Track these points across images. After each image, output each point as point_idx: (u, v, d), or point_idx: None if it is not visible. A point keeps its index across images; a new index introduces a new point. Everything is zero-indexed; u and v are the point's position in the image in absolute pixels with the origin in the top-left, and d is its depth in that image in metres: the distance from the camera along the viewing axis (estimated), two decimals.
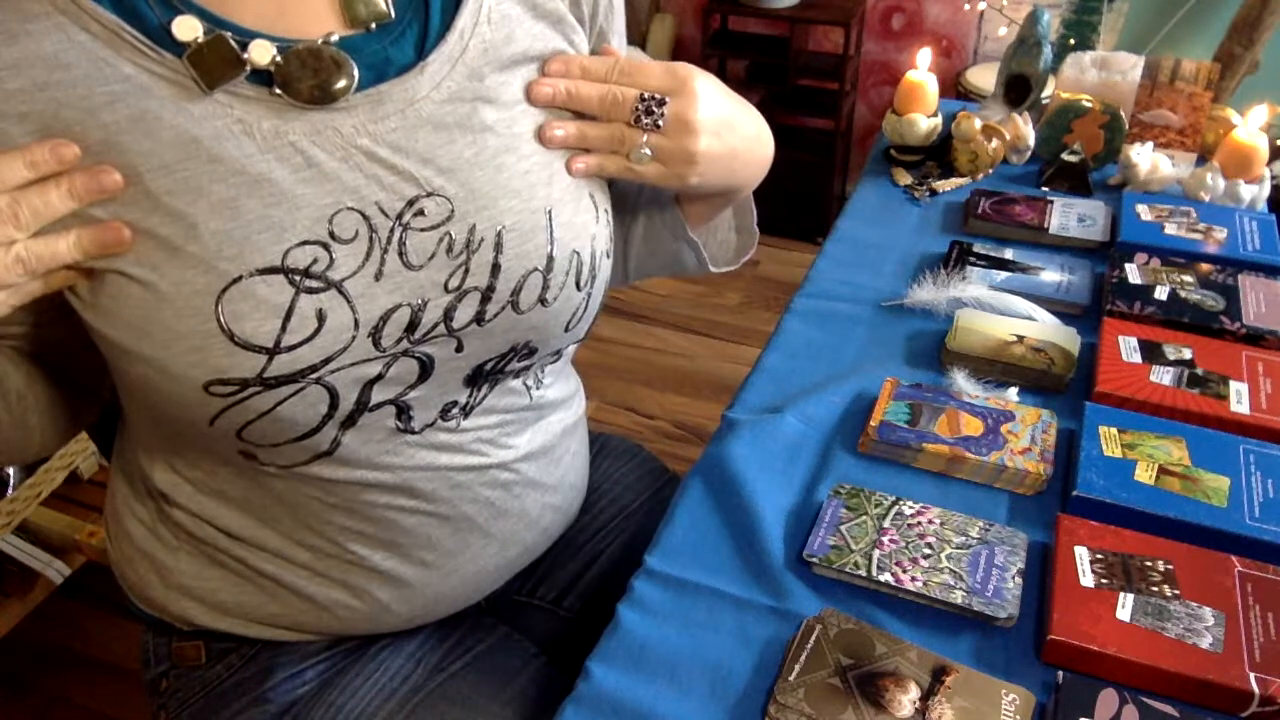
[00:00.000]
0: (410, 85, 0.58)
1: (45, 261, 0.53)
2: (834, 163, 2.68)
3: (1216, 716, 0.63)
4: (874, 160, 1.34)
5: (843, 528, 0.75)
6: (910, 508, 0.77)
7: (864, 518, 0.76)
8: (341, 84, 0.56)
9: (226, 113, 0.54)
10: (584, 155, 0.66)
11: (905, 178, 1.28)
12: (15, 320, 0.63)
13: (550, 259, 0.64)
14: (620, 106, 0.65)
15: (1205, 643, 0.65)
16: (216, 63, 0.53)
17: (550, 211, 0.64)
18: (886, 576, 0.71)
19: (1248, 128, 1.14)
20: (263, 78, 0.55)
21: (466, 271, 0.61)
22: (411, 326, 0.60)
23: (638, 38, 2.79)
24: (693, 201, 0.77)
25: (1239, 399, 0.85)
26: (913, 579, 0.71)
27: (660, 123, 0.65)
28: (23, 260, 0.53)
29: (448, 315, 0.61)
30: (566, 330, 0.68)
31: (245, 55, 0.54)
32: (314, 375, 0.58)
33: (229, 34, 0.54)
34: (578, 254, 0.66)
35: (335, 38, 0.57)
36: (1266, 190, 1.15)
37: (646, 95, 0.64)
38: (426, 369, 0.62)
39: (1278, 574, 0.70)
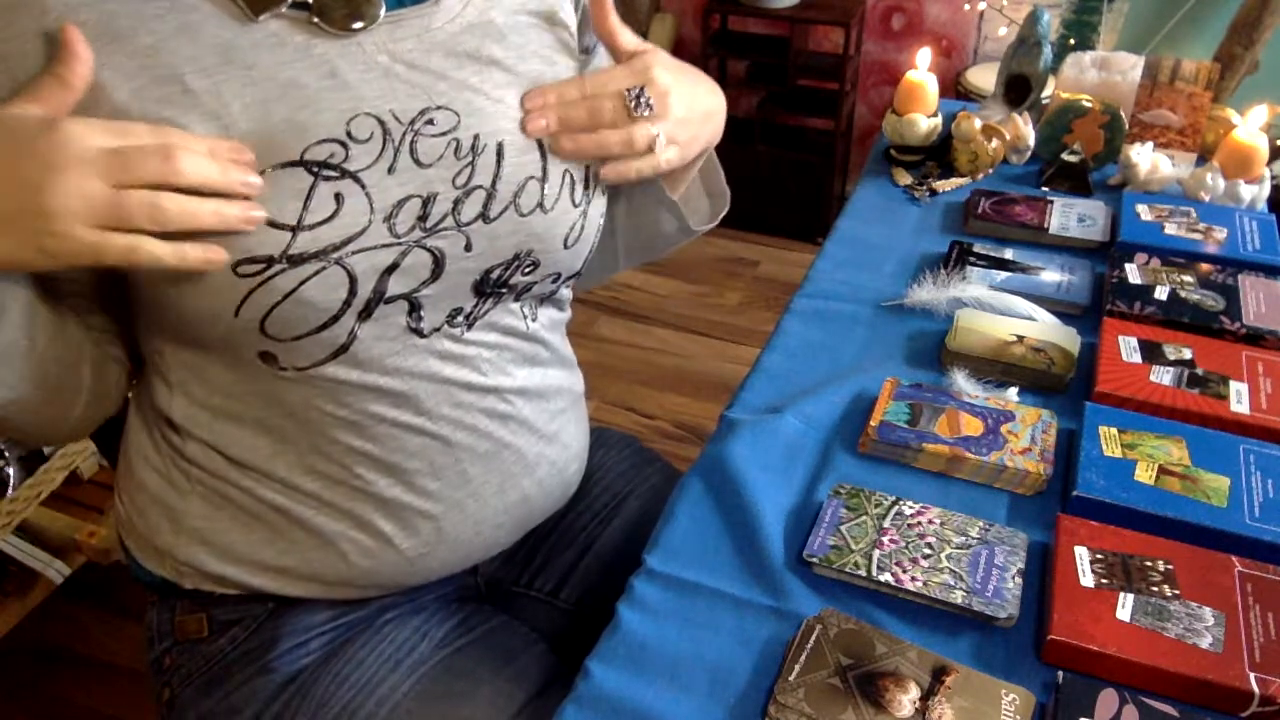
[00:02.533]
0: (426, 15, 0.66)
1: (182, 219, 0.57)
2: (834, 163, 2.68)
3: (1216, 716, 0.63)
4: (874, 160, 1.34)
5: (843, 528, 0.75)
6: (910, 508, 0.77)
7: (864, 518, 0.76)
8: (372, 13, 0.64)
9: (263, 28, 0.62)
10: (613, 165, 0.72)
11: (905, 178, 1.28)
12: (82, 275, 0.69)
13: (544, 170, 0.70)
14: (606, 112, 0.70)
15: (1205, 643, 0.65)
16: None
17: (541, 139, 0.70)
18: (886, 576, 0.71)
19: (1248, 128, 1.14)
20: (298, 4, 0.62)
21: (472, 170, 0.67)
22: (424, 217, 0.65)
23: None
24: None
25: (1239, 399, 0.85)
26: (913, 579, 0.71)
27: (652, 105, 0.71)
28: (158, 207, 0.56)
29: (456, 207, 0.66)
30: (566, 246, 0.72)
31: None
32: (335, 255, 0.62)
33: None
34: (569, 172, 0.71)
35: None
36: (1266, 190, 1.15)
37: (627, 91, 0.70)
38: (439, 263, 0.67)
39: (1278, 574, 0.70)
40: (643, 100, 0.70)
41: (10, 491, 1.51)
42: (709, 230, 0.92)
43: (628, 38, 0.74)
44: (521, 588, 0.93)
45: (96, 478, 1.74)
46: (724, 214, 0.92)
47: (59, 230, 0.55)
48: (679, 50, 2.86)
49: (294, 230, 0.61)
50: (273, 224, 0.60)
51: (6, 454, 1.51)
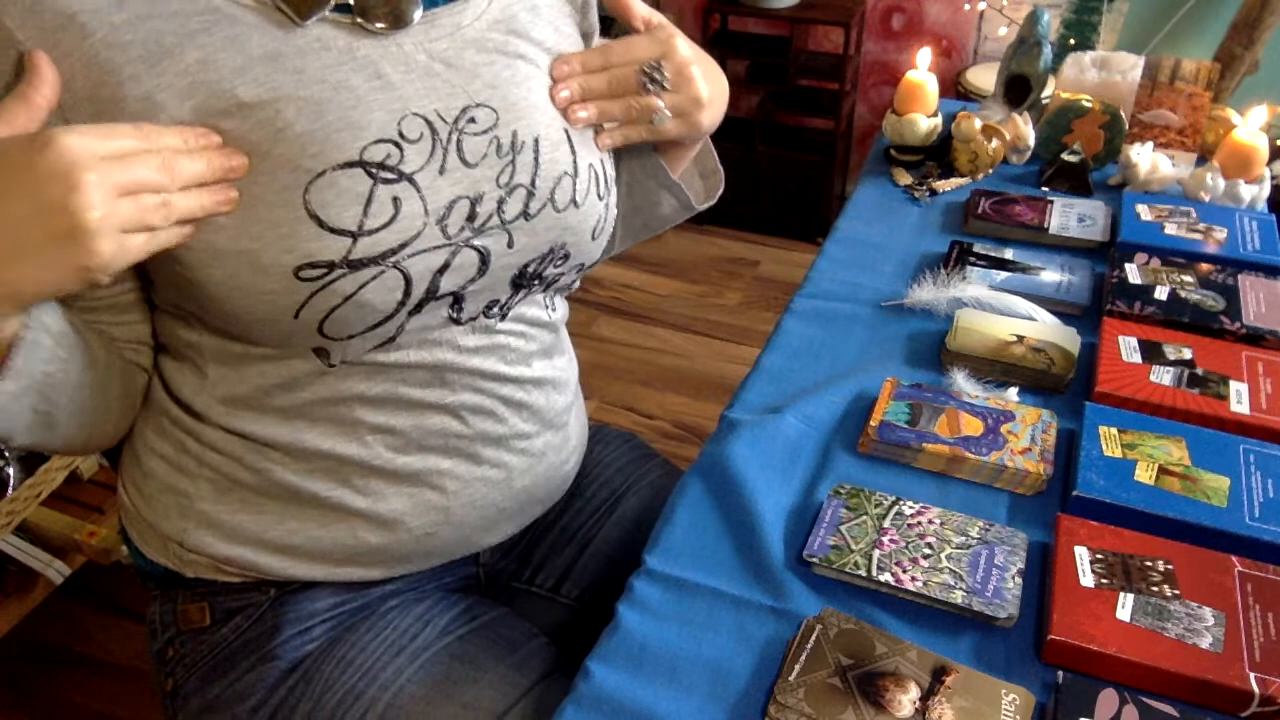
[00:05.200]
0: (457, 12, 0.69)
1: (186, 214, 0.60)
2: (834, 163, 2.68)
3: (1216, 716, 0.63)
4: (874, 160, 1.34)
5: (843, 528, 0.75)
6: (910, 508, 0.77)
7: (864, 518, 0.76)
8: (411, 12, 0.66)
9: (306, 33, 0.63)
10: (608, 130, 0.76)
11: (905, 178, 1.28)
12: (114, 288, 0.70)
13: (575, 165, 0.73)
14: (626, 83, 0.75)
15: (1205, 643, 0.65)
16: None
17: (566, 130, 0.73)
18: (886, 576, 0.71)
19: (1248, 128, 1.14)
20: (341, 8, 0.64)
21: (513, 169, 0.69)
22: (471, 217, 0.67)
23: None
24: (669, 147, 0.86)
25: (1239, 399, 0.85)
26: (913, 579, 0.71)
27: (665, 84, 0.75)
28: (169, 205, 0.58)
29: (500, 207, 0.69)
30: (593, 238, 0.76)
31: None
32: (393, 258, 0.64)
33: None
34: (593, 166, 0.75)
35: None
36: (1266, 190, 1.15)
37: (646, 66, 0.74)
38: (485, 261, 0.69)
39: (1278, 574, 0.70)
40: (658, 77, 0.74)
41: (10, 491, 1.51)
42: (707, 219, 0.97)
43: (641, 9, 0.77)
44: (522, 584, 0.93)
45: (96, 478, 1.74)
46: (719, 192, 0.94)
47: (101, 248, 0.54)
48: None
49: (355, 236, 0.62)
50: (334, 229, 0.62)
51: (6, 454, 1.50)
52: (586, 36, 0.82)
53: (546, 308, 0.79)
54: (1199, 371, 0.88)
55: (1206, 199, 1.15)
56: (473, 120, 0.67)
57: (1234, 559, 0.71)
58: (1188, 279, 1.00)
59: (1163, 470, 0.77)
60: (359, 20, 0.64)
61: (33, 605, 1.59)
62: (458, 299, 0.70)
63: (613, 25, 0.80)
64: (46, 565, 1.60)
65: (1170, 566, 0.70)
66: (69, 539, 1.61)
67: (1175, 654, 0.64)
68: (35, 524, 1.62)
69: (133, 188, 0.55)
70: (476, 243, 0.68)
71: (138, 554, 0.81)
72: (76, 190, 0.53)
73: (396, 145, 0.64)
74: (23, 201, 0.53)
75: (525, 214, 0.70)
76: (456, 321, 0.71)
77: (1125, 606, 0.67)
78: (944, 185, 1.26)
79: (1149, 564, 0.70)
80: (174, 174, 0.58)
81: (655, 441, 2.08)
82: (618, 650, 0.69)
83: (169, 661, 0.80)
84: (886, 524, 0.76)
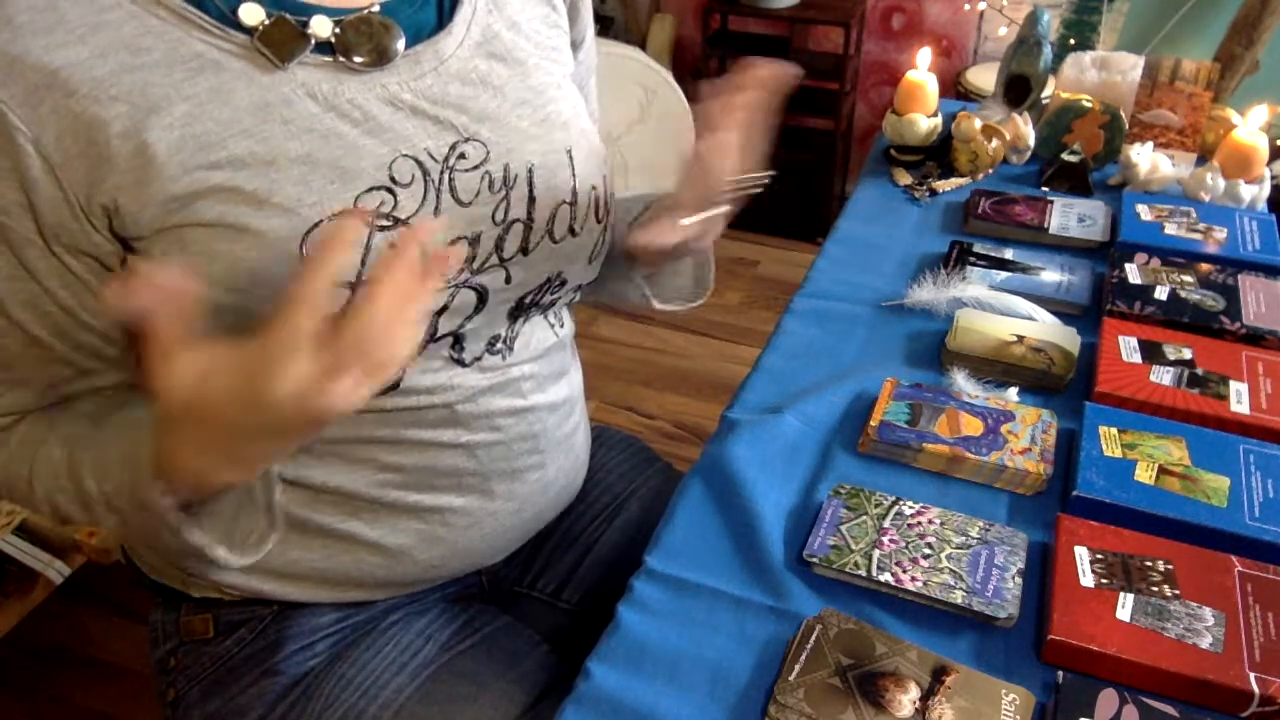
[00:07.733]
0: (439, 46, 0.66)
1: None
2: (834, 163, 2.68)
3: (1216, 716, 0.63)
4: (874, 160, 1.34)
5: (843, 528, 0.75)
6: (910, 508, 0.77)
7: (864, 518, 0.76)
8: (394, 46, 0.63)
9: (290, 79, 0.60)
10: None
11: (905, 178, 1.28)
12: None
13: (575, 193, 0.71)
14: None
15: (1205, 643, 0.65)
16: (284, 40, 0.60)
17: (570, 151, 0.71)
18: (886, 576, 0.71)
19: (1248, 128, 1.14)
20: (323, 48, 0.62)
21: (508, 205, 0.68)
22: (471, 258, 0.66)
23: (638, 38, 2.79)
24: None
25: (1239, 399, 0.85)
26: (913, 579, 0.71)
27: None
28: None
29: (498, 245, 0.68)
30: (589, 262, 0.75)
31: (308, 30, 0.61)
32: None
33: (288, 14, 0.61)
34: (595, 189, 0.73)
35: (377, 6, 0.64)
36: (1266, 190, 1.15)
37: None
38: (482, 299, 0.68)
39: (1278, 574, 0.70)
40: None
41: None
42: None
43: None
44: (524, 589, 0.93)
45: None
46: (700, 301, 0.92)
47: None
48: (679, 50, 2.85)
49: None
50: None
51: None
52: (576, 45, 0.80)
53: (552, 326, 0.78)
54: (1199, 371, 0.88)
55: (1206, 199, 1.15)
56: (463, 156, 0.65)
57: (1234, 559, 0.71)
58: (1188, 279, 1.00)
59: (1163, 470, 0.77)
60: (341, 58, 0.62)
61: (33, 605, 1.59)
62: (457, 339, 0.69)
63: (611, 25, 0.79)
64: (46, 565, 1.60)
65: (1170, 566, 0.70)
66: (69, 539, 1.61)
67: (1175, 654, 0.64)
68: (35, 524, 1.61)
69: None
70: (474, 282, 0.67)
71: (139, 572, 0.81)
72: (322, 423, 0.52)
73: (390, 191, 0.62)
74: (268, 439, 0.54)
75: (523, 249, 0.69)
76: (460, 363, 0.70)
77: (1125, 606, 0.67)
78: (944, 185, 1.26)
79: (1149, 564, 0.70)
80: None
81: (655, 442, 2.08)
82: (618, 650, 0.69)
83: (171, 671, 0.80)
84: (886, 524, 0.76)
